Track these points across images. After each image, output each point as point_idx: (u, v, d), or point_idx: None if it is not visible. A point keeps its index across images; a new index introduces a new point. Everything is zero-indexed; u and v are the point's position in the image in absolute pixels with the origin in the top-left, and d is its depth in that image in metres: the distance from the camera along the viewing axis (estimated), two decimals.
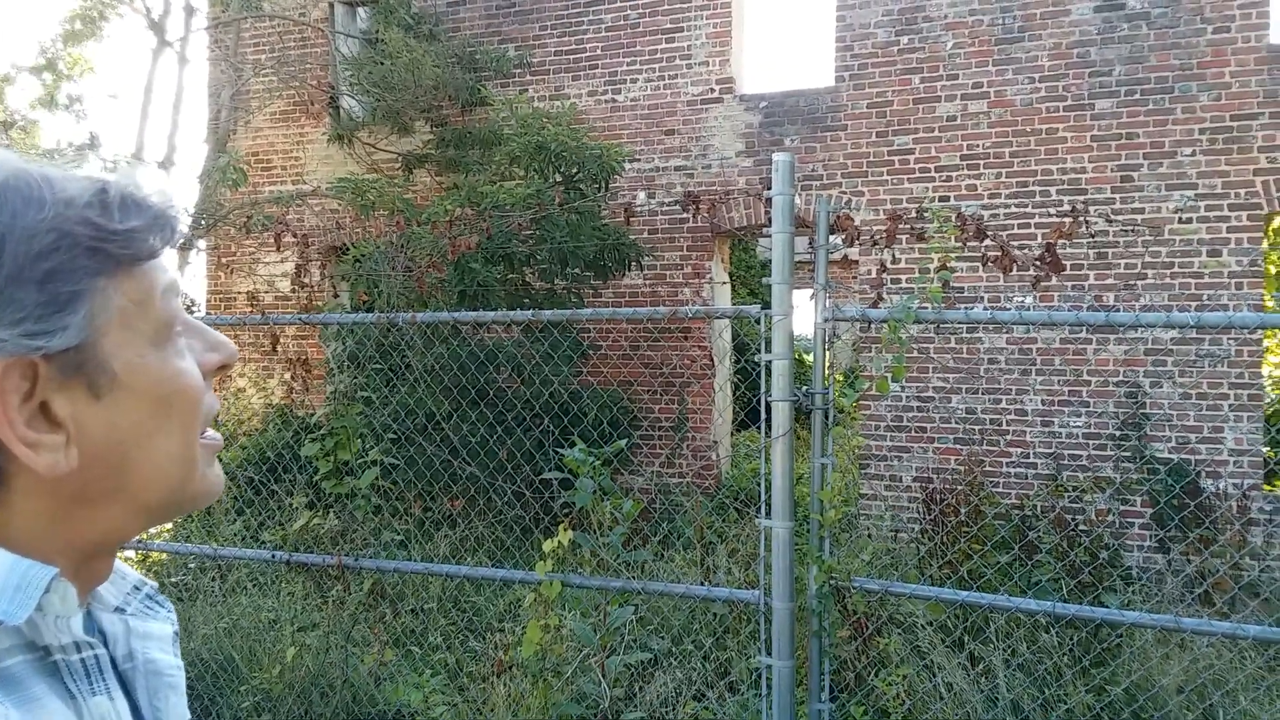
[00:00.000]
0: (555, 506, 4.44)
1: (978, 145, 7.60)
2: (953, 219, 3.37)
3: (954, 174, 7.66)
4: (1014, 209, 7.46)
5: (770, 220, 3.08)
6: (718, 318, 7.99)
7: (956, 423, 7.63)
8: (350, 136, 9.24)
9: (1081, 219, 5.02)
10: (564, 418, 5.46)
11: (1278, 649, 4.58)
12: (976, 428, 7.57)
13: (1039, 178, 7.45)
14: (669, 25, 8.56)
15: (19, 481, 0.65)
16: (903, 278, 7.53)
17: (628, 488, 8.08)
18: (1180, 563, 6.52)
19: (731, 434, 9.65)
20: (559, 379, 6.19)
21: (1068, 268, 7.19)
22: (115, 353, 0.66)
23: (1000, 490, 7.25)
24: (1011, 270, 3.23)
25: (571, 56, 8.90)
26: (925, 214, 3.29)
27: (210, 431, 0.74)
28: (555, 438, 4.38)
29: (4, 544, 0.65)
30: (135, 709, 0.75)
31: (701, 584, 4.59)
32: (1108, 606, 4.50)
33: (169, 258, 0.72)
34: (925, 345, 7.51)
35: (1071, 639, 4.65)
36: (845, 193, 7.85)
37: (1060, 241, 5.89)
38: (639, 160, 8.48)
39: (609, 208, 7.92)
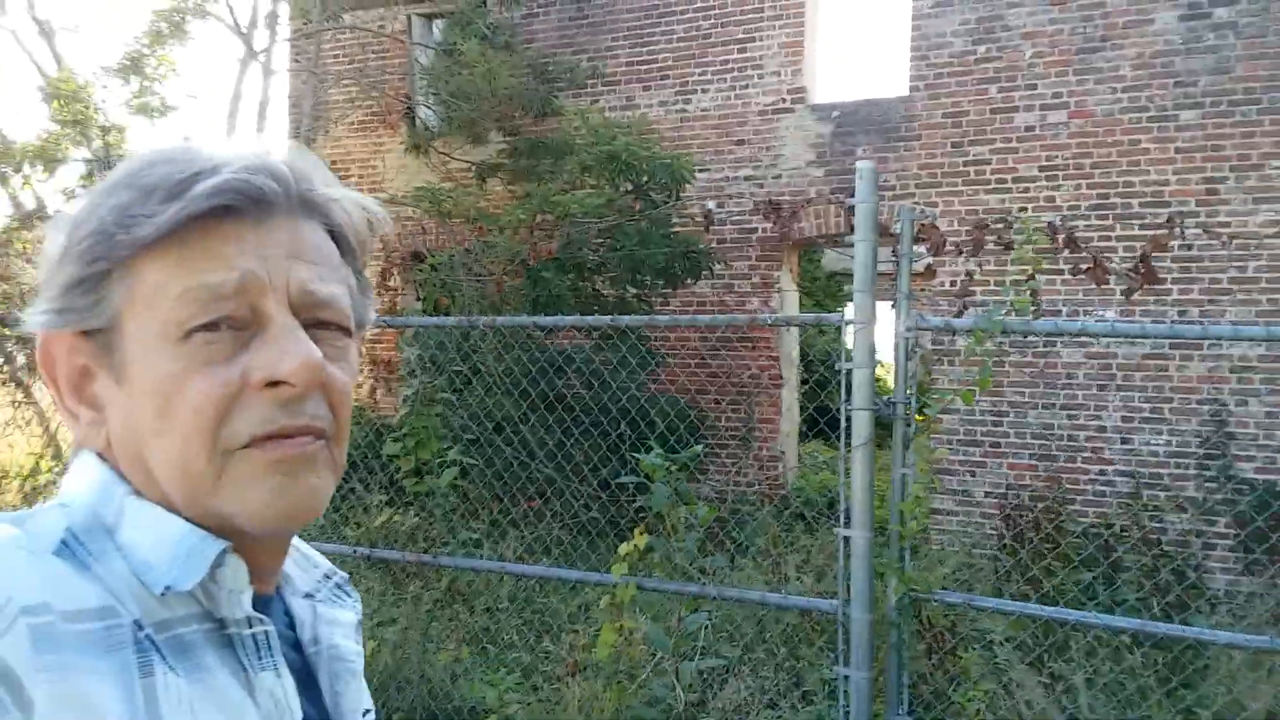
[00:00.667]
0: (631, 510, 4.48)
1: (1057, 156, 7.47)
2: (1043, 229, 3.33)
3: (1032, 185, 7.54)
4: (1094, 221, 7.31)
5: (849, 229, 3.08)
6: (798, 325, 7.95)
7: (1032, 438, 7.49)
8: (426, 146, 9.42)
9: (1177, 229, 4.90)
10: (635, 426, 5.49)
11: None
12: (1053, 444, 7.42)
13: (1120, 190, 7.29)
14: (741, 35, 8.58)
15: None
16: (977, 290, 7.42)
17: (698, 495, 8.07)
18: (1268, 585, 6.31)
19: (798, 445, 9.59)
20: (631, 386, 6.24)
21: (1165, 280, 7.02)
22: (129, 342, 0.67)
23: (1077, 509, 7.09)
24: (1106, 282, 3.18)
25: (643, 67, 8.97)
26: (1013, 224, 3.25)
27: (276, 443, 0.67)
28: (630, 443, 4.41)
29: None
30: (317, 692, 0.77)
31: (774, 593, 4.57)
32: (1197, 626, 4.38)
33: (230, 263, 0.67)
34: (1001, 358, 7.39)
35: (1157, 661, 4.53)
36: (919, 203, 7.77)
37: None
38: (708, 170, 8.50)
39: (679, 217, 7.96)
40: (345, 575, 0.87)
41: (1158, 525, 6.62)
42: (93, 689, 0.58)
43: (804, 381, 9.16)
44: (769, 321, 3.67)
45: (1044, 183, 7.50)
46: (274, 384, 0.66)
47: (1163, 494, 6.99)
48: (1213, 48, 7.03)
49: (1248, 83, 6.93)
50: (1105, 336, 4.21)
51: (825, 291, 14.30)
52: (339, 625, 0.82)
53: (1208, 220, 6.99)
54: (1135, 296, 7.09)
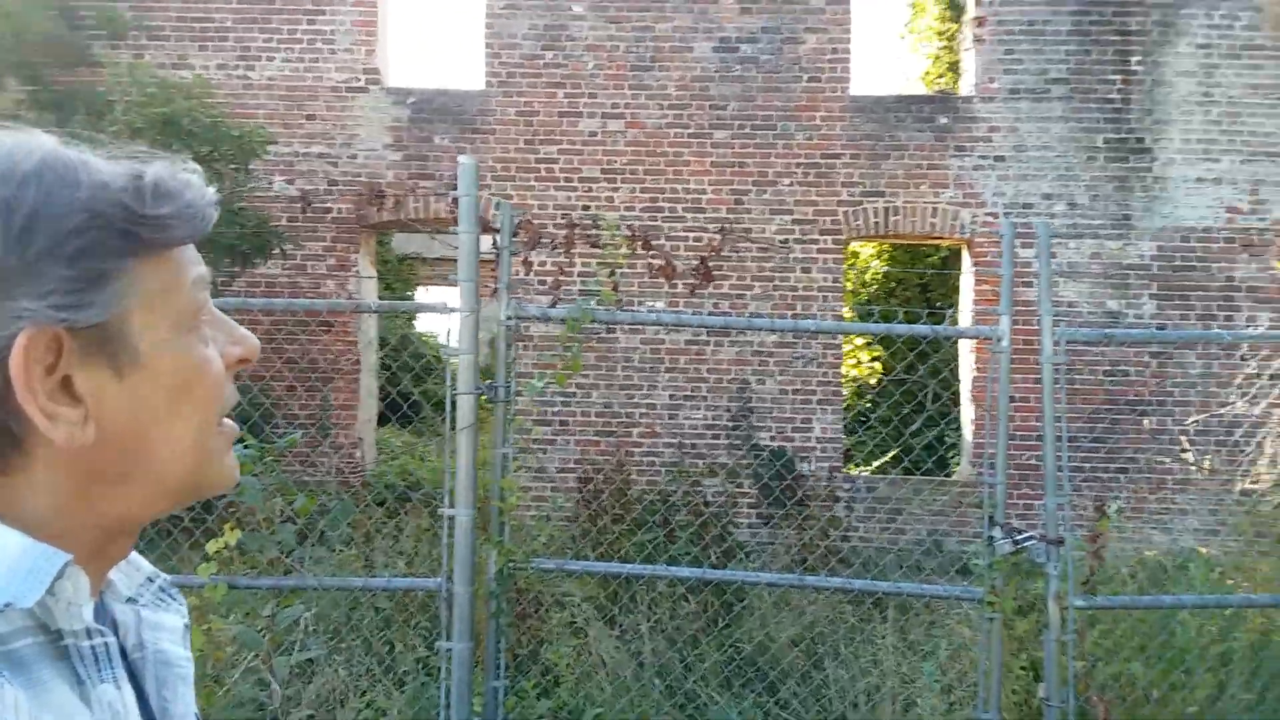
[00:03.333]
0: (219, 505, 4.16)
1: (616, 161, 8.20)
2: (624, 230, 3.71)
3: (594, 186, 8.19)
4: (645, 221, 8.14)
5: (429, 215, 3.18)
6: (415, 312, 7.82)
7: (596, 416, 8.16)
8: None
9: (730, 238, 5.71)
10: None
11: (868, 605, 5.50)
12: (614, 421, 8.17)
13: (667, 195, 8.20)
14: (310, 6, 8.24)
15: (41, 453, 0.66)
16: (545, 280, 7.91)
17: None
18: (781, 534, 7.55)
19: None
20: None
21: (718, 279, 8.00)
22: (140, 334, 0.68)
23: (632, 478, 7.89)
24: (674, 279, 3.63)
25: (198, 25, 8.24)
26: (600, 224, 3.59)
27: (227, 421, 0.76)
28: None
29: (24, 518, 0.65)
30: (143, 698, 0.75)
31: (378, 577, 4.55)
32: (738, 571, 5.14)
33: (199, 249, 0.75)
34: (570, 344, 7.93)
35: (707, 605, 5.25)
36: (494, 195, 8.07)
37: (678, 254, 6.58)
38: (276, 144, 8.05)
39: (247, 193, 7.45)
40: (169, 578, 0.85)
41: (698, 489, 7.61)
42: None
43: (384, 367, 9.08)
44: (369, 309, 3.65)
45: (605, 184, 8.19)
46: (244, 360, 0.77)
47: (700, 461, 8.02)
48: (740, 78, 8.19)
49: (766, 111, 8.18)
50: (674, 325, 4.76)
51: (396, 275, 14.19)
52: (165, 630, 0.80)
53: (735, 226, 8.14)
54: (679, 289, 8.07)
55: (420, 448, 10.18)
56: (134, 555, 0.81)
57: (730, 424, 8.15)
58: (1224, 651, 4.40)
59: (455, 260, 3.29)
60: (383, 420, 9.82)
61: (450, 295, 3.41)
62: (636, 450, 8.10)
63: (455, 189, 3.24)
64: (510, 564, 3.59)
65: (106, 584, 0.77)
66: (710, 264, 3.26)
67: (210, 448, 0.73)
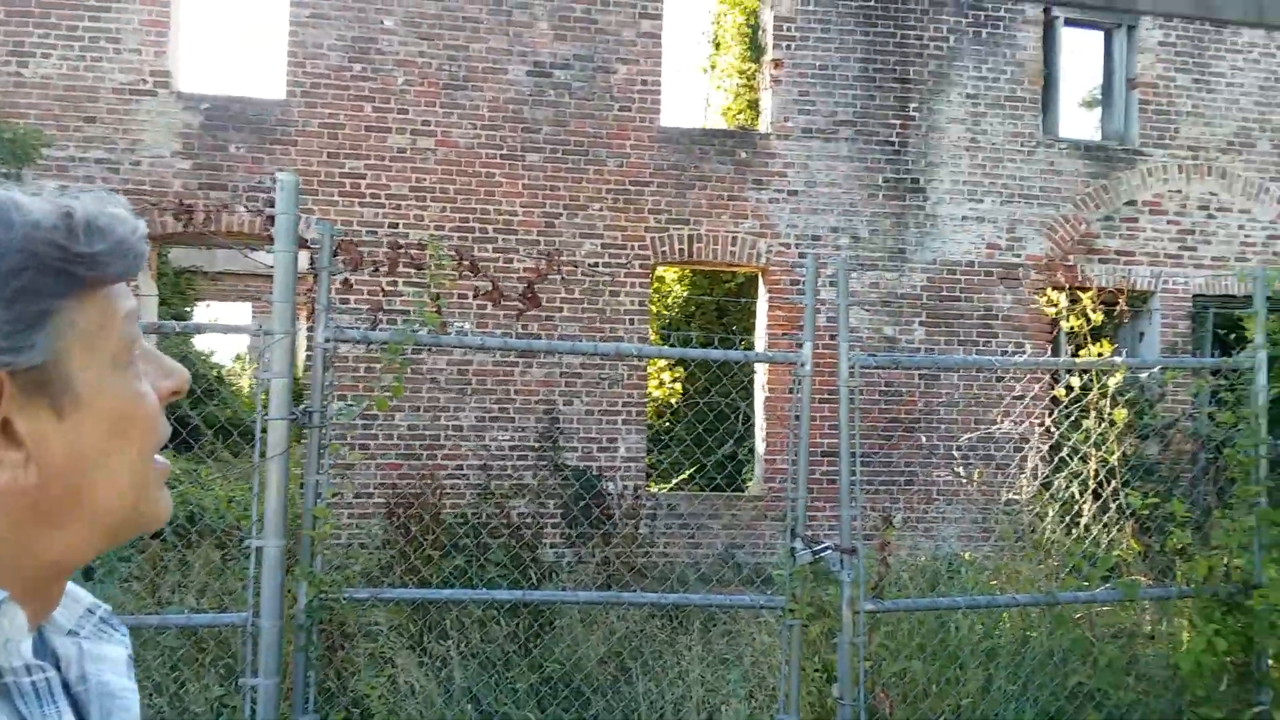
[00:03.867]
0: None
1: (425, 179, 8.10)
2: (451, 255, 3.71)
3: (403, 203, 8.06)
4: (457, 241, 8.08)
5: (221, 229, 3.08)
6: (225, 333, 7.33)
7: (399, 439, 7.99)
8: None
9: (556, 263, 5.79)
10: None
11: (676, 618, 5.68)
12: (418, 444, 8.02)
13: (478, 215, 8.19)
14: (94, 2, 7.67)
15: None
16: (353, 304, 7.68)
17: None
18: (587, 553, 7.64)
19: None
20: None
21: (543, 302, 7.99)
22: (78, 373, 0.68)
23: (437, 501, 7.77)
24: (500, 304, 3.66)
25: None
26: (424, 246, 3.57)
27: (159, 458, 0.75)
28: None
29: None
30: None
31: (178, 614, 4.26)
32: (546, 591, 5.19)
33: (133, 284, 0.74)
34: (373, 365, 7.75)
35: (517, 626, 5.26)
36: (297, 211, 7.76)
37: (493, 276, 6.60)
38: (50, 146, 7.42)
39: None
40: (109, 609, 0.83)
41: (503, 511, 7.58)
42: None
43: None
44: (178, 330, 3.47)
45: (414, 202, 8.08)
46: (175, 393, 0.76)
47: (507, 483, 8.01)
48: (553, 102, 8.31)
49: (577, 136, 8.34)
50: (498, 349, 4.77)
51: (174, 289, 13.30)
52: (107, 661, 0.79)
53: (547, 247, 8.23)
54: (490, 310, 8.05)
55: (203, 475, 9.58)
56: (72, 587, 0.79)
57: (536, 445, 8.20)
58: (991, 648, 4.88)
59: (240, 274, 3.19)
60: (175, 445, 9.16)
61: (235, 311, 3.29)
62: (441, 473, 7.99)
63: (261, 203, 3.14)
64: (321, 595, 3.49)
65: (46, 618, 0.76)
66: (536, 288, 3.32)
67: (147, 484, 0.73)
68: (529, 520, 7.38)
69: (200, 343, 14.21)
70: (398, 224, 8.01)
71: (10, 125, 6.40)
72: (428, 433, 8.03)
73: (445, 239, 7.97)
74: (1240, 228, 9.53)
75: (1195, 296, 9.44)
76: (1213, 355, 9.01)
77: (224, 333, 4.46)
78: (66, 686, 0.75)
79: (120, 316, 0.71)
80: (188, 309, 13.92)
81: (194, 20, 24.14)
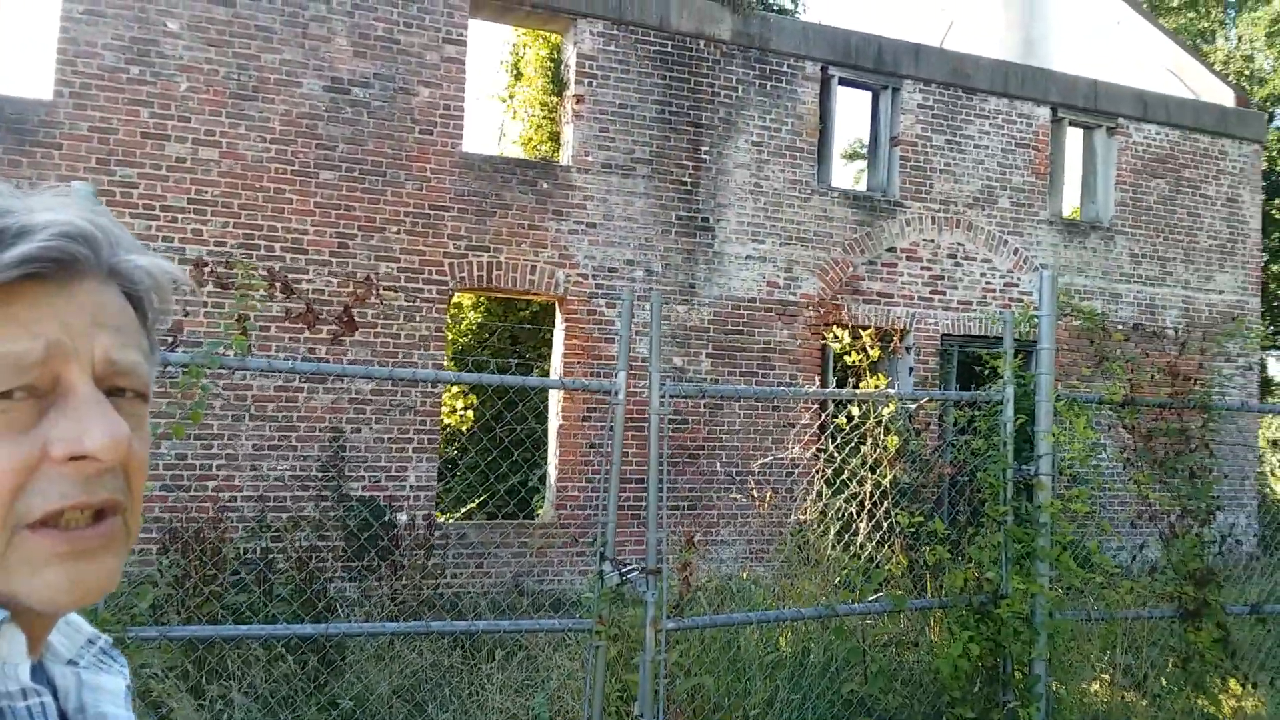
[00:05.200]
0: None
1: (207, 192, 7.66)
2: (265, 274, 3.57)
3: (180, 215, 7.58)
4: (239, 258, 7.68)
5: None
6: None
7: (164, 468, 7.45)
8: None
9: (376, 287, 5.60)
10: None
11: (468, 648, 5.63)
12: (188, 474, 7.51)
13: (264, 232, 7.83)
14: None
15: None
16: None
17: None
18: (373, 586, 7.41)
19: None
20: None
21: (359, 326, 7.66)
22: None
23: (205, 533, 7.28)
24: (314, 325, 3.55)
25: None
26: (234, 264, 3.42)
27: (52, 532, 0.64)
28: None
29: None
30: None
31: None
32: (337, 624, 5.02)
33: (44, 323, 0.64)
34: (163, 390, 7.19)
35: (305, 662, 5.04)
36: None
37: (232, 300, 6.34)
38: None
39: None
40: (110, 640, 0.82)
41: (280, 544, 7.22)
42: None
43: None
44: None
45: (193, 216, 7.62)
46: (77, 458, 0.63)
47: (284, 515, 7.64)
48: (350, 120, 8.10)
49: (376, 157, 8.17)
50: (317, 374, 4.59)
51: None
52: (105, 692, 0.77)
53: (339, 270, 7.98)
54: (272, 332, 7.70)
55: None
56: (74, 617, 0.77)
57: (320, 474, 7.90)
58: (775, 660, 5.19)
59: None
60: None
61: None
62: (214, 505, 7.51)
63: None
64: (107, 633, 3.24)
65: (46, 646, 0.74)
66: (355, 314, 3.23)
67: (4, 554, 0.63)
68: (311, 554, 7.08)
69: None
70: (173, 238, 7.52)
71: None
72: (197, 462, 7.54)
73: (227, 255, 7.56)
74: (982, 275, 10.69)
75: (944, 335, 10.47)
76: (957, 389, 10.04)
77: None
78: (64, 716, 0.73)
79: None
80: None
81: None
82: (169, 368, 3.23)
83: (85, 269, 0.67)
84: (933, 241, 10.45)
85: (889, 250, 10.25)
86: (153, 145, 7.54)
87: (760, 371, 9.54)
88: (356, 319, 3.88)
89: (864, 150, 13.25)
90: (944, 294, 10.47)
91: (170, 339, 3.57)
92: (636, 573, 4.35)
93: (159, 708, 4.49)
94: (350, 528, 7.62)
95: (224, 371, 7.45)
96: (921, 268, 10.40)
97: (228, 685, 4.85)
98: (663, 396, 4.24)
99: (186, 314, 4.04)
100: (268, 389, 7.77)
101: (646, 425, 4.16)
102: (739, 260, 9.57)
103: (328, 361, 7.73)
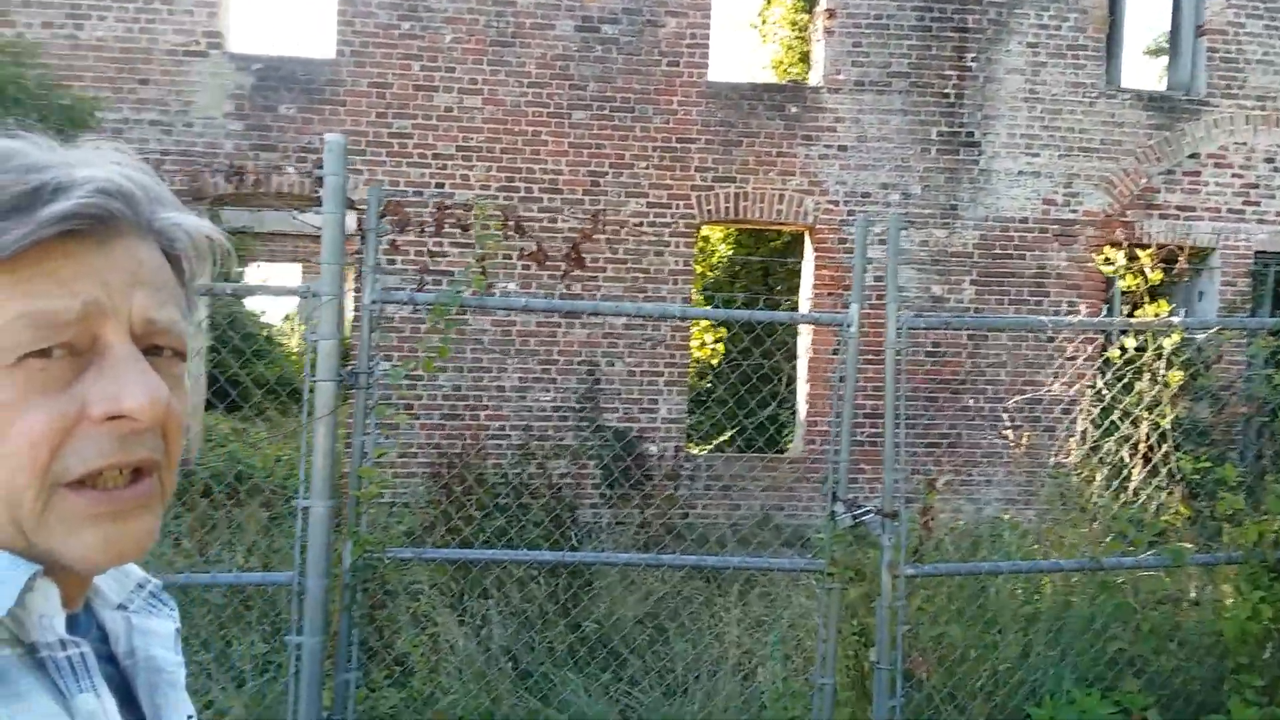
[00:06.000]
0: None
1: (472, 138, 8.09)
2: (498, 216, 3.73)
3: (449, 163, 8.07)
4: (502, 201, 8.08)
5: (271, 189, 3.11)
6: (274, 295, 7.49)
7: (443, 399, 8.08)
8: None
9: (601, 224, 5.77)
10: None
11: (714, 579, 5.72)
12: (460, 404, 8.11)
13: (524, 175, 8.17)
14: None
15: None
16: (403, 260, 7.75)
17: None
18: (626, 514, 7.71)
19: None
20: None
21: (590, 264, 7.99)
22: None
23: (480, 462, 7.86)
24: (544, 265, 3.68)
25: None
26: (470, 206, 3.59)
27: (88, 492, 0.65)
28: None
29: None
30: (136, 704, 0.75)
31: (227, 573, 4.40)
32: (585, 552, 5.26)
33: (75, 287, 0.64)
34: (420, 326, 7.82)
35: (555, 586, 5.34)
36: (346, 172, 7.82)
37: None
38: (104, 110, 7.55)
39: None
40: (159, 583, 0.83)
41: (544, 471, 7.65)
42: None
43: (212, 349, 8.67)
44: (229, 292, 3.53)
45: (460, 162, 8.08)
46: (115, 417, 0.64)
47: (547, 444, 8.07)
48: (600, 58, 8.22)
49: (624, 92, 8.25)
50: (548, 310, 4.79)
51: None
52: (155, 636, 0.79)
53: (591, 207, 8.19)
54: (534, 270, 8.07)
55: (253, 434, 9.79)
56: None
57: (578, 406, 8.25)
58: (1031, 613, 4.84)
59: (290, 235, 3.22)
60: (208, 406, 9.39)
61: (285, 272, 3.33)
62: (484, 434, 8.07)
63: (310, 165, 3.16)
64: (366, 555, 3.57)
65: (95, 591, 0.76)
66: (582, 250, 3.33)
67: (36, 512, 0.64)
68: (569, 481, 7.45)
69: (251, 302, 14.51)
70: (444, 184, 8.03)
71: (66, 91, 6.50)
72: (471, 393, 8.11)
73: (491, 199, 7.98)
74: None
75: (1257, 254, 9.12)
76: (1272, 315, 8.73)
77: (274, 295, 4.54)
78: (115, 660, 0.76)
79: (14, 311, 0.62)
80: (240, 269, 14.19)
81: None
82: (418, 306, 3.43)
83: (124, 226, 0.67)
84: (1245, 145, 9.06)
85: (1191, 157, 9.02)
86: (423, 97, 8.05)
87: (1033, 300, 8.80)
88: (583, 255, 3.94)
89: (1165, 44, 11.66)
90: (1258, 205, 9.08)
91: (419, 279, 3.82)
92: (872, 514, 4.18)
93: (427, 621, 4.94)
94: (605, 458, 7.93)
95: (490, 310, 7.96)
96: (1232, 175, 9.07)
97: (486, 604, 5.23)
98: (899, 329, 4.00)
99: (431, 253, 4.32)
100: (530, 324, 8.18)
101: (894, 360, 3.95)
102: (1009, 177, 8.80)
103: (580, 298, 8.03)
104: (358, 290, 3.58)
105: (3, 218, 0.61)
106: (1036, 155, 8.83)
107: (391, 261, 6.88)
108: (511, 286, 8.05)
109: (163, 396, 0.66)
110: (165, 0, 7.77)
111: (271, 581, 3.58)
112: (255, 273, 15.22)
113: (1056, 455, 5.69)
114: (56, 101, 6.19)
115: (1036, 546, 5.38)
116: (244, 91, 7.87)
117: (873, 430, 7.92)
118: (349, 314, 6.63)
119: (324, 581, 3.40)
